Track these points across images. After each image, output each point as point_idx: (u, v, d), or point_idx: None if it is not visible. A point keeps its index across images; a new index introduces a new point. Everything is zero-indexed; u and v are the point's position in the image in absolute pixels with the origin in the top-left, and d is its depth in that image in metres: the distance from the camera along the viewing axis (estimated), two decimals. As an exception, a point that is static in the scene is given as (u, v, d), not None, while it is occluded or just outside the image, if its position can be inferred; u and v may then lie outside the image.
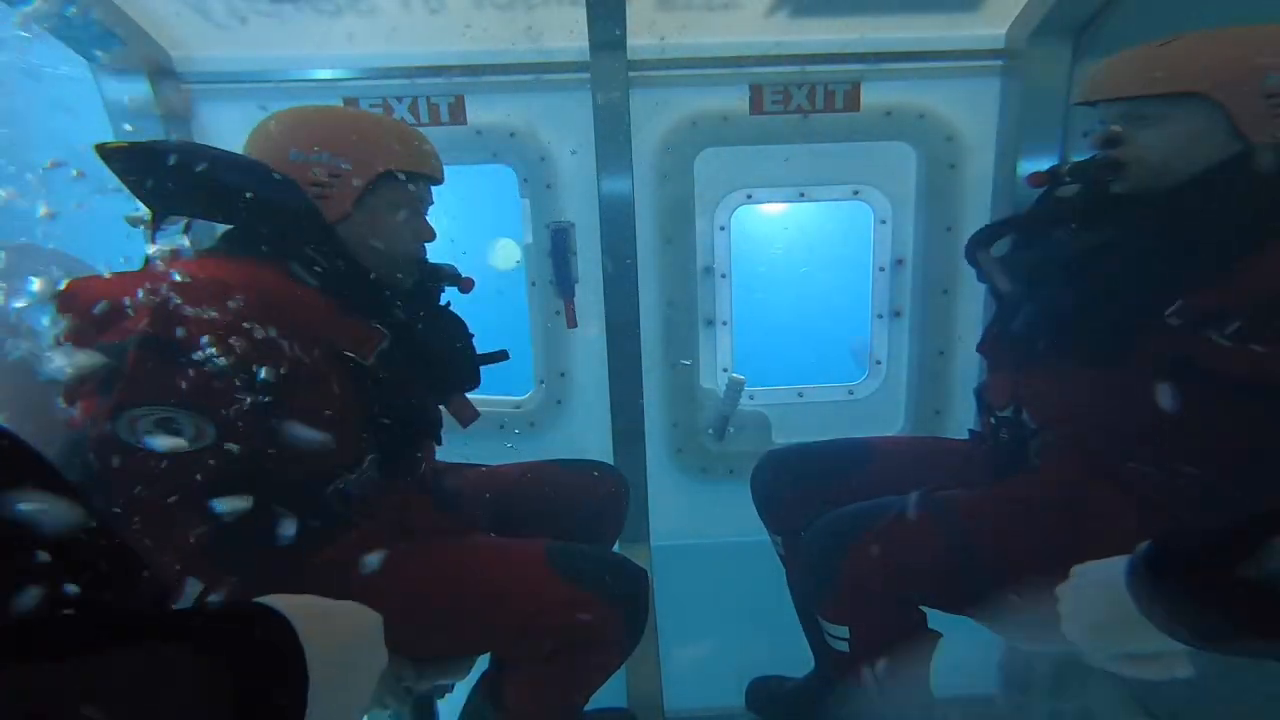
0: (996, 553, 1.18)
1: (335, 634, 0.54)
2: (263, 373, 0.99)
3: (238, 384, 0.97)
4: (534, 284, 2.29)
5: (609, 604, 1.21)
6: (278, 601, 0.53)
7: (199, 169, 1.06)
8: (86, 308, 0.96)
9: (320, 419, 1.08)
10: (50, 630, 0.41)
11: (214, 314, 0.98)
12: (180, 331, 0.95)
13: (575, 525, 1.56)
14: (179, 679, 0.44)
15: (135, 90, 1.97)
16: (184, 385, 0.93)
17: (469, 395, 1.40)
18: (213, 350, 0.95)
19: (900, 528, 1.23)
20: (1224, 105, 1.07)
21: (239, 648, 0.48)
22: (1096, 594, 0.84)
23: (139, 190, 1.09)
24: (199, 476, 0.96)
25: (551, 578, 1.20)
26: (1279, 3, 1.15)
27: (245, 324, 0.99)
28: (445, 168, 1.30)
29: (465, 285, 1.39)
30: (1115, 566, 0.82)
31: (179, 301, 0.96)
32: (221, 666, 0.45)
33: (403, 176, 1.22)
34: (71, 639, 0.40)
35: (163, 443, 0.92)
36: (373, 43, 1.99)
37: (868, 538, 1.23)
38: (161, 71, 2.00)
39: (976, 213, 2.19)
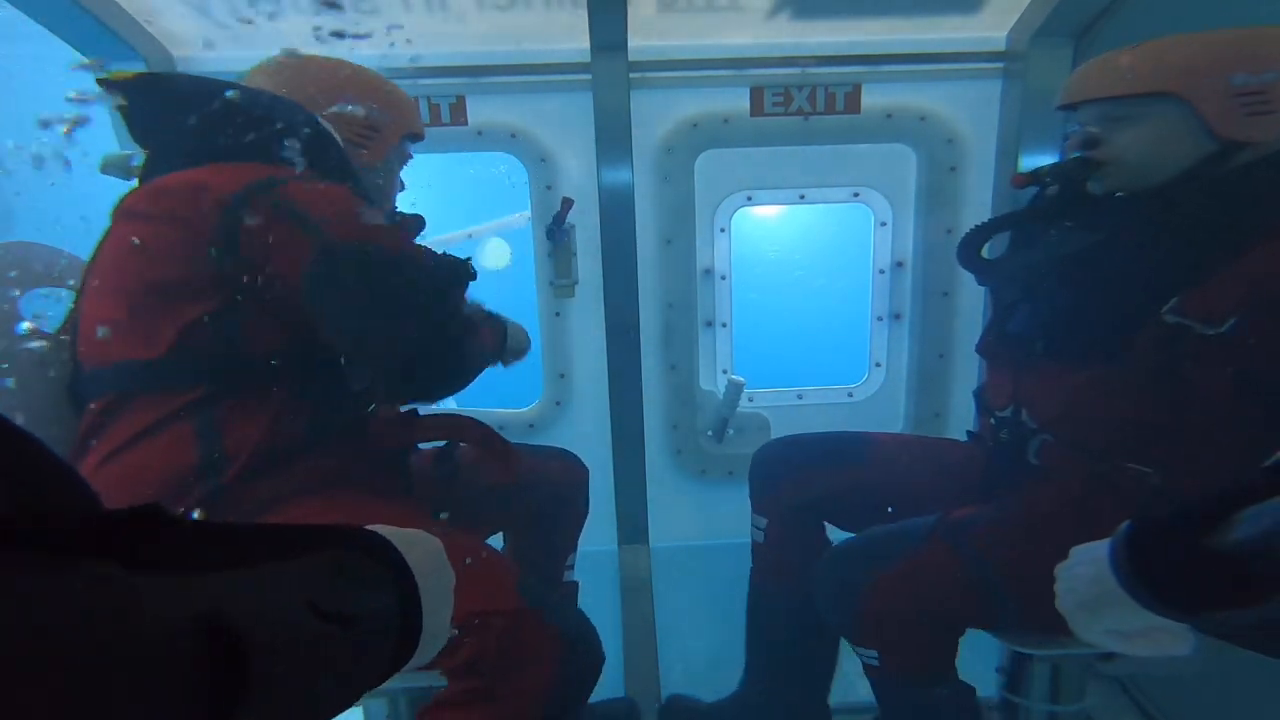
0: (1018, 578, 1.18)
1: (420, 556, 0.57)
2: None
3: (268, 270, 1.02)
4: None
5: (560, 640, 1.07)
6: (375, 527, 0.57)
7: (253, 110, 1.09)
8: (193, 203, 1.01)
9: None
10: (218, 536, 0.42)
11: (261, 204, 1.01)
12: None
13: (535, 509, 1.55)
14: (374, 587, 0.49)
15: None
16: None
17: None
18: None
19: (918, 564, 1.23)
20: (1193, 104, 1.09)
21: (387, 564, 0.53)
22: (1084, 571, 0.87)
23: (141, 128, 1.13)
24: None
25: (519, 598, 1.07)
26: (1277, 4, 1.15)
27: (285, 209, 1.02)
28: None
29: (418, 224, 1.42)
30: (1101, 546, 0.85)
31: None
32: (389, 577, 0.50)
33: (412, 137, 1.39)
34: (246, 546, 0.42)
35: None
36: (375, 42, 1.99)
37: (887, 577, 1.23)
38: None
39: (977, 215, 2.15)
